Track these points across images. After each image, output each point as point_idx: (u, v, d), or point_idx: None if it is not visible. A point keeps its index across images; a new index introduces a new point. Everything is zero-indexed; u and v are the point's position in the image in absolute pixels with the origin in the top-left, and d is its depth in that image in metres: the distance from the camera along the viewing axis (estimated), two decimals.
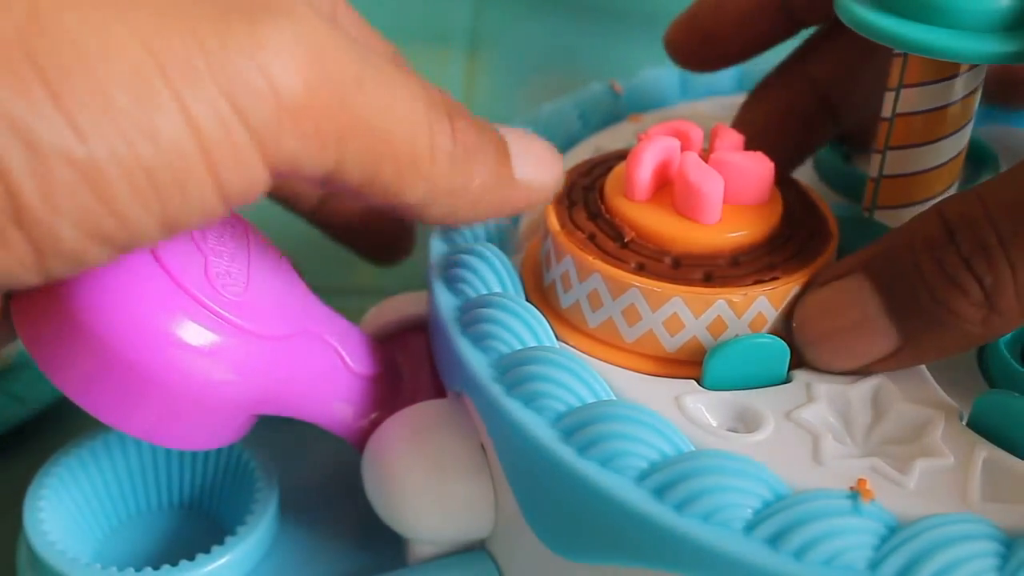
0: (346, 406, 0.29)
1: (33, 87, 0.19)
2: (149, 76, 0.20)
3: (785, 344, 0.25)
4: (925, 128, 0.27)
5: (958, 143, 0.28)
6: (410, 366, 0.30)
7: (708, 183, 0.26)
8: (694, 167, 0.26)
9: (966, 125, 0.27)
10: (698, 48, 0.32)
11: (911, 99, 0.27)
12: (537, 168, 0.26)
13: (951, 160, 0.28)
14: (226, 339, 0.25)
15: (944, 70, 0.26)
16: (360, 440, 0.29)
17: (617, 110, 0.36)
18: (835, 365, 0.25)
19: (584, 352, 0.26)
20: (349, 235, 0.36)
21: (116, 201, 0.20)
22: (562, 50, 0.60)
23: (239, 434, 0.28)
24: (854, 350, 0.25)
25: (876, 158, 0.28)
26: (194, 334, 0.25)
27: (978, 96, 0.27)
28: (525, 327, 0.26)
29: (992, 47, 0.24)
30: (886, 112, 0.27)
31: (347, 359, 0.28)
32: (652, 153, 0.27)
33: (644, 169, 0.27)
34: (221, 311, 0.25)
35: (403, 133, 0.23)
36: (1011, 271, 0.23)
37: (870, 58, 0.30)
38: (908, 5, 0.25)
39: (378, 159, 0.23)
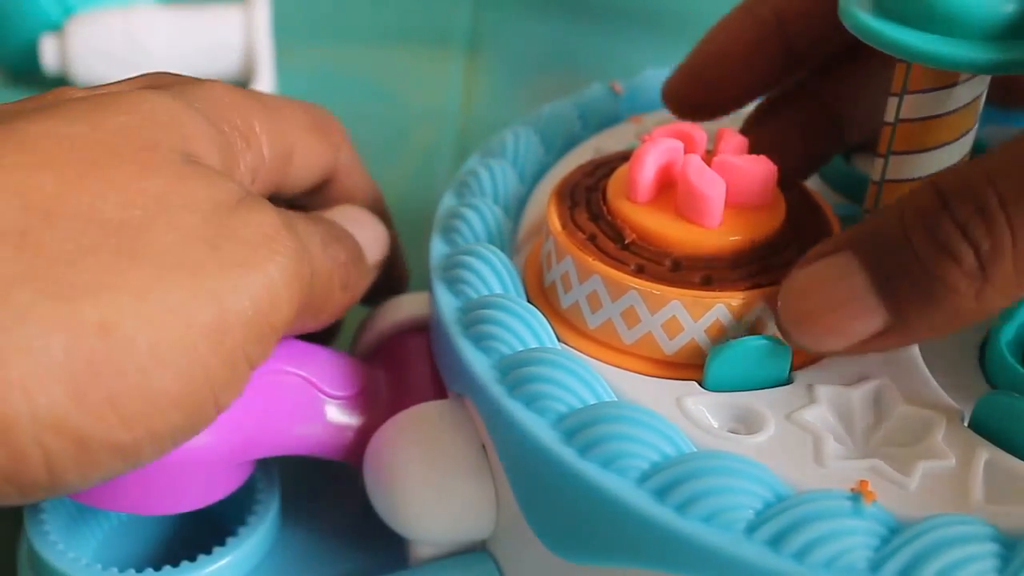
0: (335, 431, 0.29)
1: (96, 399, 0.21)
2: (189, 358, 0.23)
3: (787, 346, 0.25)
4: (928, 134, 0.27)
5: (961, 149, 0.27)
6: (410, 367, 0.30)
7: (709, 186, 0.26)
8: (696, 170, 0.26)
9: (969, 131, 0.27)
10: (701, 98, 0.31)
11: (914, 105, 0.27)
12: (375, 248, 0.31)
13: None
14: None
15: (947, 77, 0.26)
16: (358, 458, 0.29)
17: (617, 111, 0.36)
18: (821, 346, 0.25)
19: (584, 353, 0.26)
20: None
21: (141, 459, 0.23)
22: (562, 50, 0.60)
23: (235, 484, 0.28)
24: (840, 329, 0.24)
25: (879, 162, 0.28)
26: None
27: (981, 102, 0.27)
28: (526, 328, 0.26)
29: (996, 56, 0.24)
30: (889, 117, 0.27)
31: (321, 386, 0.28)
32: (655, 155, 0.27)
33: (646, 171, 0.27)
34: None
35: (325, 288, 0.27)
36: (1011, 234, 0.22)
37: (877, 76, 0.29)
38: (912, 13, 0.25)
39: (313, 310, 0.27)
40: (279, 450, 0.28)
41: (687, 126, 0.28)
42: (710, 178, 0.26)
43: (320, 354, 0.29)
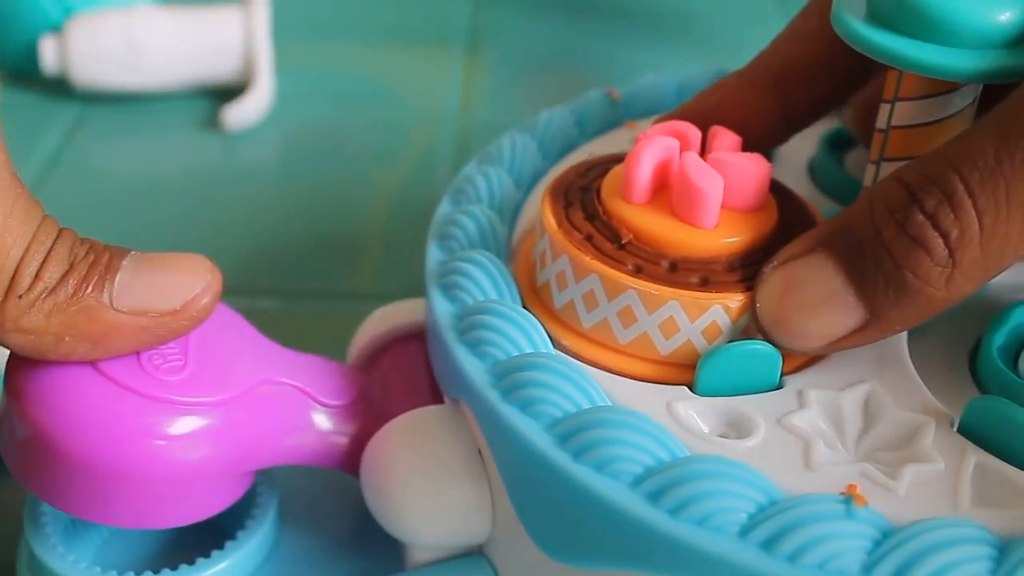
0: (331, 440, 0.29)
1: None
2: None
3: (777, 351, 0.25)
4: (920, 141, 0.27)
5: None
6: (406, 374, 0.30)
7: (709, 182, 0.26)
8: (694, 166, 0.26)
9: None
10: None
11: (907, 112, 0.27)
12: (148, 295, 0.25)
13: None
14: (178, 419, 0.26)
15: (940, 85, 0.26)
16: (354, 466, 0.29)
17: (614, 117, 0.36)
18: (800, 345, 0.25)
19: (577, 352, 0.26)
20: None
21: None
22: (562, 50, 0.60)
23: (235, 496, 0.28)
24: (820, 328, 0.24)
25: (870, 168, 0.28)
26: (146, 425, 0.25)
27: (974, 110, 0.27)
28: (521, 333, 0.26)
29: (987, 64, 0.24)
30: (881, 124, 0.27)
31: (316, 395, 0.29)
32: (651, 154, 0.27)
33: (643, 171, 0.26)
34: (164, 395, 0.26)
35: None
36: (978, 220, 0.22)
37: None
38: (904, 21, 0.25)
39: None
40: (276, 461, 0.28)
41: (682, 125, 0.28)
42: (709, 174, 0.26)
43: (314, 364, 0.29)
